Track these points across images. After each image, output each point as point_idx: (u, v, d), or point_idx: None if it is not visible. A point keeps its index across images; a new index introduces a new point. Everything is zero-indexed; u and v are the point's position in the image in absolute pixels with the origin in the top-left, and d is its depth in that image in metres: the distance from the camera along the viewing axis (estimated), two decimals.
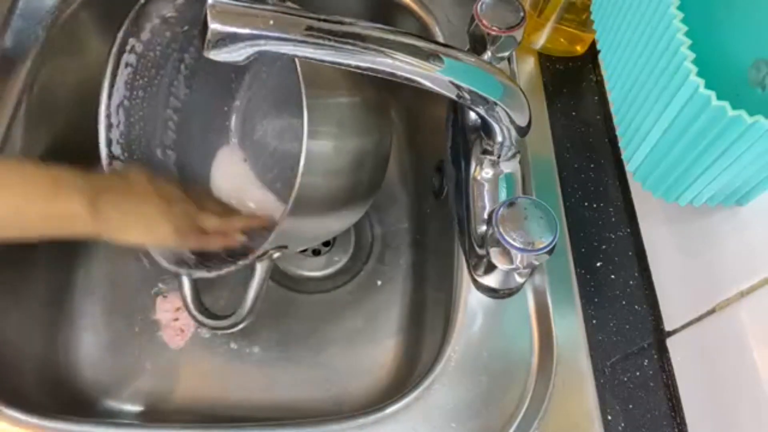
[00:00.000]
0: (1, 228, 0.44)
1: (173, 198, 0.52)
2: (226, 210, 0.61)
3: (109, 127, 0.56)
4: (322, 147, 0.45)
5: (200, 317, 0.55)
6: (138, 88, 0.57)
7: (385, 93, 0.54)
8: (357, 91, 0.50)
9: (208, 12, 0.34)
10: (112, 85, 0.55)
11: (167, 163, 0.62)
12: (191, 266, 0.53)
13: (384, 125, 0.53)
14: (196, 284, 0.55)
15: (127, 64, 0.55)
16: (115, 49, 0.54)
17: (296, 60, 0.42)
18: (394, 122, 0.75)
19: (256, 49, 0.35)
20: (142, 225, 0.50)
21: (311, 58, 0.37)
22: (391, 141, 0.54)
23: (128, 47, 0.54)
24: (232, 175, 0.65)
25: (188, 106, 0.62)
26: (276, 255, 0.50)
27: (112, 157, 0.56)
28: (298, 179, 0.43)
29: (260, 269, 0.51)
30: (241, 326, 0.52)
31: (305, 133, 0.42)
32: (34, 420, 0.45)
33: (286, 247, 0.50)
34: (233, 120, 0.66)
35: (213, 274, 0.51)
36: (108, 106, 0.56)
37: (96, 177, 0.50)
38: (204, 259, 0.55)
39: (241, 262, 0.49)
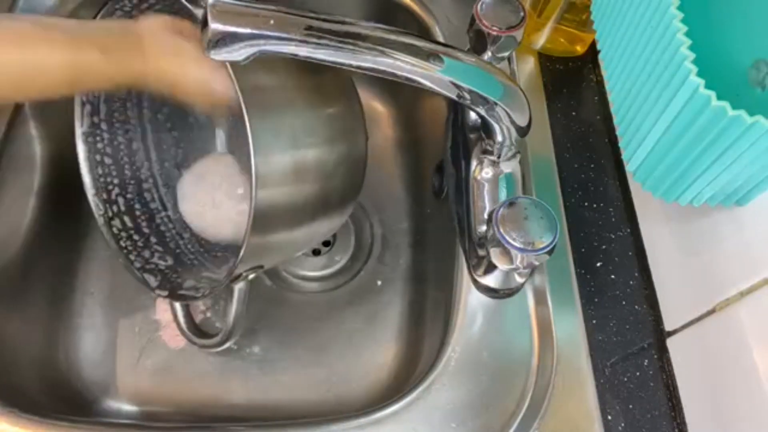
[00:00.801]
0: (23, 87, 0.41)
1: None
2: None
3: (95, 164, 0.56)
4: (275, 160, 0.43)
5: (189, 335, 0.57)
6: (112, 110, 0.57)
7: (386, 95, 0.54)
8: (315, 101, 0.48)
9: (208, 12, 0.34)
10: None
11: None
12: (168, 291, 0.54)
13: (353, 130, 0.51)
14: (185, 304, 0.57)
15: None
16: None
17: (233, 79, 0.40)
18: (396, 124, 0.75)
19: (256, 49, 0.35)
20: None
21: (311, 58, 0.37)
22: (365, 144, 0.52)
23: None
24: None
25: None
26: (251, 276, 0.50)
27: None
28: (252, 201, 0.41)
29: (237, 292, 0.51)
30: (227, 345, 0.54)
31: (251, 152, 0.40)
32: (34, 419, 0.45)
33: (261, 266, 0.50)
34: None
35: (189, 300, 0.52)
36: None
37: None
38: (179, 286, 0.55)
39: (216, 288, 0.49)
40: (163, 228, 0.59)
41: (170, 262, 0.57)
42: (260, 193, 0.41)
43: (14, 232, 0.57)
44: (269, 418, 0.58)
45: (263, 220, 0.43)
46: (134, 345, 0.61)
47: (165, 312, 0.63)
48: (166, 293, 0.53)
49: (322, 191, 0.48)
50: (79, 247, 0.65)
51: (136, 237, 0.57)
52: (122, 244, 0.56)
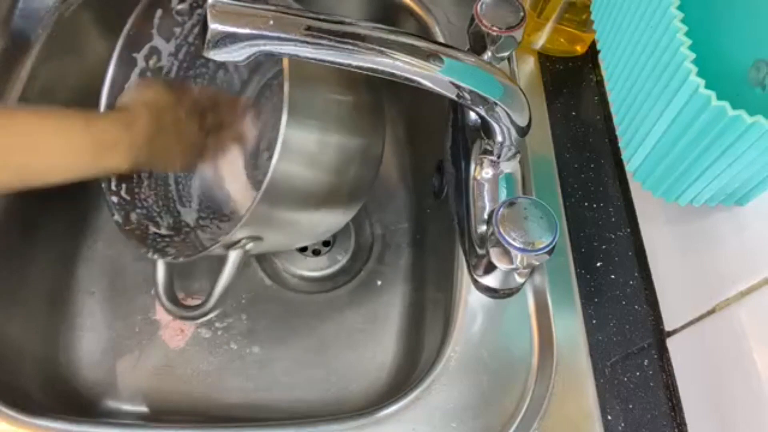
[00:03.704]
0: (38, 177, 0.46)
1: (187, 132, 0.58)
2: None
3: None
4: (302, 136, 0.45)
5: (168, 305, 0.55)
6: None
7: (386, 95, 0.54)
8: (349, 91, 0.49)
9: (208, 12, 0.34)
10: None
11: None
12: (160, 249, 0.53)
13: (376, 130, 0.53)
14: (171, 272, 0.55)
15: None
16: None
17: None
18: (396, 123, 0.75)
19: (256, 49, 0.35)
20: (164, 162, 0.57)
21: (311, 58, 0.37)
22: (382, 147, 0.53)
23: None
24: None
25: None
26: (249, 245, 0.49)
27: None
28: (273, 162, 0.43)
29: (232, 259, 0.50)
30: (208, 317, 0.52)
31: (284, 117, 0.42)
32: (33, 420, 0.45)
33: (260, 238, 0.50)
34: None
35: (181, 259, 0.51)
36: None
37: (134, 126, 0.51)
38: (178, 244, 0.55)
39: (213, 248, 0.48)
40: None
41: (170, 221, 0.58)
42: (280, 162, 0.43)
43: (11, 231, 0.57)
44: (269, 418, 0.58)
45: (274, 189, 0.44)
46: (134, 345, 0.62)
47: (165, 312, 0.63)
48: (154, 255, 0.53)
49: (335, 180, 0.49)
50: (79, 247, 0.65)
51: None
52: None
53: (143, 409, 0.59)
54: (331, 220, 0.53)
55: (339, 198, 0.51)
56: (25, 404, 0.46)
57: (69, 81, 0.64)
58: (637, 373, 0.48)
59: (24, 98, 0.58)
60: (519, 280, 0.49)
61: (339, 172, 0.49)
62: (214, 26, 0.34)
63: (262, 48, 0.35)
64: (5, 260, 0.55)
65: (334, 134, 0.48)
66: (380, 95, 0.52)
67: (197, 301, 0.52)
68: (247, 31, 0.34)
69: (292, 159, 0.44)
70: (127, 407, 0.59)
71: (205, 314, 0.52)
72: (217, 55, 0.35)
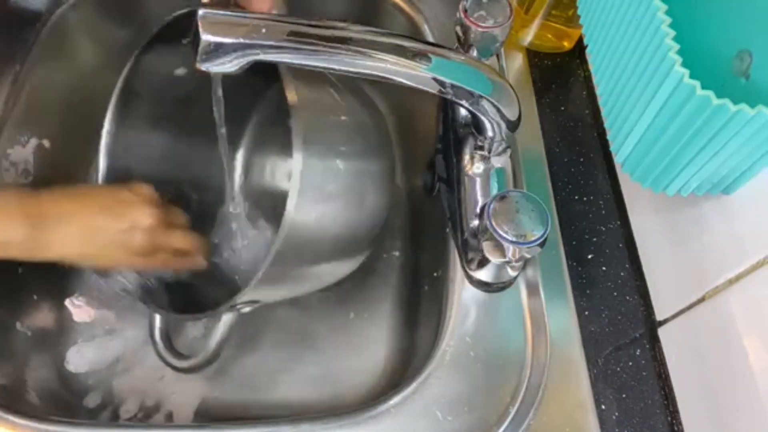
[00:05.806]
0: None
1: (136, 213, 0.47)
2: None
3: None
4: (315, 170, 0.41)
5: (165, 355, 0.54)
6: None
7: (376, 90, 0.54)
8: (354, 115, 0.47)
9: (199, 23, 0.34)
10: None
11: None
12: (158, 304, 0.52)
13: (386, 156, 0.50)
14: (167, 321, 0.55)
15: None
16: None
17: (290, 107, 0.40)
18: (387, 120, 0.75)
19: (248, 59, 0.35)
20: (89, 242, 0.46)
21: (305, 65, 0.37)
22: (390, 197, 0.51)
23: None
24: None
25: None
26: (246, 309, 0.49)
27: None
28: (288, 218, 0.40)
29: (225, 319, 0.50)
30: (203, 369, 0.52)
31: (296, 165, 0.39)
32: (31, 423, 0.45)
33: (257, 302, 0.48)
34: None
35: (184, 317, 0.52)
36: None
37: (38, 194, 0.45)
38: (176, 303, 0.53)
39: (206, 314, 0.48)
40: None
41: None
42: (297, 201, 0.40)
43: None
44: (267, 416, 0.58)
45: (284, 251, 0.41)
46: (132, 345, 0.62)
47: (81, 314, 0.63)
48: (152, 307, 0.51)
49: (349, 236, 0.47)
50: None
51: None
52: None
53: (141, 409, 0.59)
54: (340, 269, 0.52)
55: (353, 248, 0.50)
56: (22, 407, 0.46)
57: (59, 83, 0.64)
58: (630, 363, 0.49)
59: (13, 101, 0.58)
60: (512, 273, 0.50)
61: (352, 223, 0.46)
62: (206, 37, 0.34)
63: (254, 57, 0.35)
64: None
65: (349, 162, 0.45)
66: (384, 120, 0.52)
67: None
68: (238, 40, 0.35)
69: (307, 198, 0.41)
70: (125, 408, 0.59)
71: (201, 368, 0.52)
72: (211, 66, 0.35)
